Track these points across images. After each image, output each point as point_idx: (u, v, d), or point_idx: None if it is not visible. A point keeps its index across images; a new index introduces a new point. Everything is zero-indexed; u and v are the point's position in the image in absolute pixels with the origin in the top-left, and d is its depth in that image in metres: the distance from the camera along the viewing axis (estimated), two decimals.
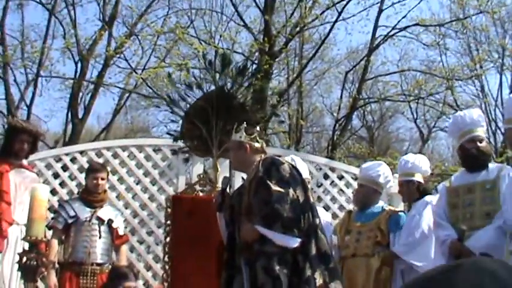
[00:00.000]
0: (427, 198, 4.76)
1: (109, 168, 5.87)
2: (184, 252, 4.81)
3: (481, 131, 4.22)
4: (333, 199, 7.29)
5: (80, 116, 15.26)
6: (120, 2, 15.46)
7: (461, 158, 4.36)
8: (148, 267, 6.87)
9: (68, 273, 4.93)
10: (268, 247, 3.55)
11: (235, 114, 4.97)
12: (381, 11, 15.64)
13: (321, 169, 7.46)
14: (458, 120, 4.28)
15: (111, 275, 4.32)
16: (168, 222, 4.98)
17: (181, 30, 13.50)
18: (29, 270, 3.36)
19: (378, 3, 15.43)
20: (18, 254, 3.55)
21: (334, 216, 6.95)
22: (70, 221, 5.05)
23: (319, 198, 7.16)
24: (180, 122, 5.30)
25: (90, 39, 15.15)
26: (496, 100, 18.93)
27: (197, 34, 15.19)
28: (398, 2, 15.26)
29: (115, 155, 6.96)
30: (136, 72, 14.89)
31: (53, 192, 6.50)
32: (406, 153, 6.94)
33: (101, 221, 5.14)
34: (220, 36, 16.20)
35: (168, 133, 5.95)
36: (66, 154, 6.94)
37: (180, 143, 5.42)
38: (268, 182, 3.64)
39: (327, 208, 6.93)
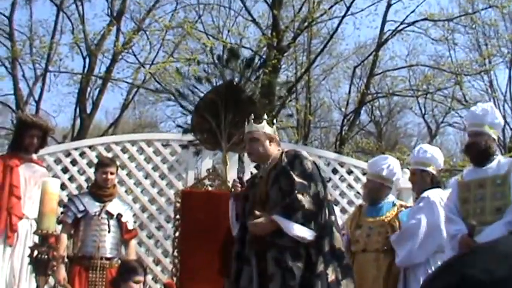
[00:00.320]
0: (435, 192, 4.65)
1: (118, 163, 5.88)
2: (193, 247, 4.82)
3: (480, 127, 4.18)
4: (342, 194, 7.28)
5: (88, 111, 15.32)
6: None
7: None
8: (157, 262, 6.89)
9: (77, 268, 4.94)
10: (280, 239, 3.54)
11: (244, 107, 4.97)
12: (389, 5, 15.60)
13: (329, 164, 7.44)
14: (467, 113, 4.34)
15: (121, 270, 4.32)
16: (177, 216, 4.99)
17: (190, 25, 13.48)
18: (40, 263, 3.36)
19: None
20: (29, 247, 3.56)
21: (343, 211, 6.95)
22: (79, 215, 5.06)
23: None
24: (190, 115, 5.32)
25: (98, 34, 15.22)
26: (504, 95, 18.89)
27: (205, 29, 15.16)
28: None
29: (124, 150, 6.97)
30: (144, 67, 14.90)
31: (62, 186, 6.51)
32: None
33: (110, 215, 5.15)
34: (228, 31, 16.18)
35: (178, 125, 5.97)
36: (75, 149, 6.96)
37: (189, 137, 5.42)
38: (292, 172, 3.65)
39: (335, 203, 6.93)
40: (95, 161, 6.29)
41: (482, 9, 15.55)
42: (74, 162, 6.84)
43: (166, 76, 13.92)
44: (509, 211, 3.82)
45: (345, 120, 17.01)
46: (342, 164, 7.46)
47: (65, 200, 5.76)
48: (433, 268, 4.37)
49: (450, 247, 4.12)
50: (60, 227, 5.05)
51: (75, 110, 15.64)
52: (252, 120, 4.00)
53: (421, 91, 16.90)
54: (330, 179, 7.33)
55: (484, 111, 4.19)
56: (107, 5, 15.69)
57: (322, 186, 3.72)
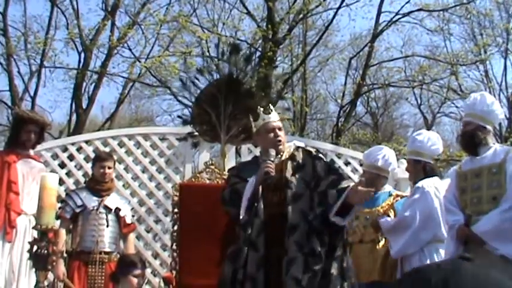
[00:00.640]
0: (429, 182, 4.63)
1: (115, 157, 5.88)
2: (192, 240, 4.82)
3: (470, 116, 4.20)
4: None
5: (84, 106, 15.27)
6: None
7: None
8: (156, 256, 6.91)
9: (77, 262, 4.95)
10: (306, 225, 3.54)
11: (243, 100, 4.98)
12: None
13: (327, 155, 7.43)
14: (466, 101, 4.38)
15: (120, 264, 4.34)
16: (176, 210, 4.99)
17: (184, 19, 13.45)
18: (40, 259, 3.36)
19: None
20: (28, 242, 3.56)
21: None
22: (77, 210, 5.07)
23: None
24: (188, 108, 5.33)
25: (93, 29, 15.14)
26: (500, 85, 18.90)
27: (200, 22, 15.13)
28: None
29: (121, 144, 6.97)
30: (139, 61, 14.86)
31: (60, 182, 6.50)
32: None
33: (108, 209, 5.15)
34: (223, 24, 16.16)
35: (178, 116, 5.97)
36: (72, 144, 6.95)
37: (187, 130, 5.43)
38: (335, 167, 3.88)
39: None
40: (92, 155, 6.29)
41: None
42: (71, 157, 6.84)
43: (162, 70, 13.89)
44: (504, 200, 3.84)
45: (341, 112, 17.01)
46: (339, 156, 7.47)
47: (63, 195, 5.76)
48: (428, 257, 4.40)
49: (449, 237, 4.16)
50: (58, 222, 5.06)
51: (71, 105, 15.60)
52: (273, 109, 3.97)
53: (416, 82, 16.90)
54: None
55: (474, 100, 4.21)
56: (101, 0, 15.65)
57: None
